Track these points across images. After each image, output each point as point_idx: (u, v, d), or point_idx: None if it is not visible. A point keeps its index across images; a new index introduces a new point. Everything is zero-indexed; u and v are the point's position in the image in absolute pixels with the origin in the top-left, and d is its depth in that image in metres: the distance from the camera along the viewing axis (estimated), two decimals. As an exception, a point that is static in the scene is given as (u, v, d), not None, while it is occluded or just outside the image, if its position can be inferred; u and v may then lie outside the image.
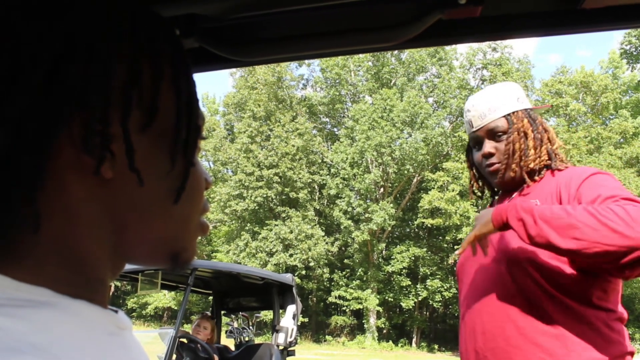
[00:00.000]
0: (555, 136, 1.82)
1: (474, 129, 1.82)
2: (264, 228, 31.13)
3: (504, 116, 1.78)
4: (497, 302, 1.66)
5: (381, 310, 30.96)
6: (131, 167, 0.49)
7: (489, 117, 1.79)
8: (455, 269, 2.02)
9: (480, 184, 1.97)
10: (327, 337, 32.06)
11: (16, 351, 0.41)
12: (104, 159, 0.48)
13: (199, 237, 0.59)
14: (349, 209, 30.47)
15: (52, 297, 0.47)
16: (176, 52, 0.55)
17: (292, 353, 5.89)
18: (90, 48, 0.48)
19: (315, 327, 32.86)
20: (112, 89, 0.48)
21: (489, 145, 1.79)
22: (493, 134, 1.78)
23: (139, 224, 0.52)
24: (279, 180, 31.53)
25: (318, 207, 33.22)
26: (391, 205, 30.19)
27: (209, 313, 6.29)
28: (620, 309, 1.63)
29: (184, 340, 5.55)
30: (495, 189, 1.94)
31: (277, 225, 30.61)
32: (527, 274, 1.61)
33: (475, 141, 1.84)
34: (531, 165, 1.75)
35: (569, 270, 1.59)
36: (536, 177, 1.77)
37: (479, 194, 1.99)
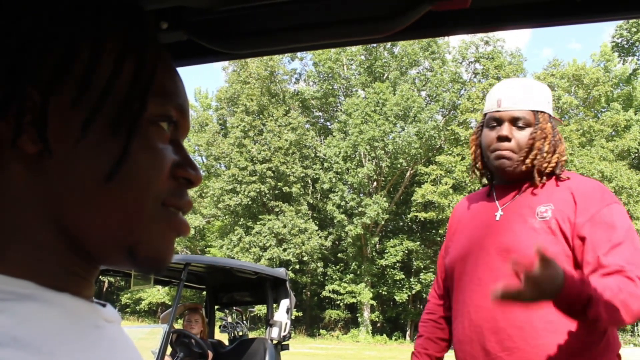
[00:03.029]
0: (565, 150, 1.85)
1: (500, 109, 1.81)
2: (258, 223, 31.12)
3: (533, 111, 1.79)
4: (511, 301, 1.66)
5: (375, 304, 31.06)
6: (41, 136, 0.48)
7: (520, 105, 1.79)
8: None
9: (481, 166, 1.94)
10: (321, 331, 32.15)
11: None
12: (21, 131, 0.48)
13: (179, 237, 0.56)
14: (343, 203, 30.50)
15: (35, 290, 0.47)
16: (128, 32, 0.53)
17: (286, 347, 5.89)
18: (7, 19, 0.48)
19: (309, 321, 32.93)
20: (33, 60, 0.49)
21: (507, 129, 1.78)
22: (516, 122, 1.79)
23: (78, 207, 0.50)
24: (272, 174, 31.51)
25: (311, 202, 33.23)
26: (384, 199, 30.24)
27: (196, 304, 6.26)
28: None
29: (178, 335, 5.54)
30: (493, 179, 1.93)
31: (271, 220, 30.61)
32: None
33: (494, 120, 1.82)
34: (541, 167, 1.77)
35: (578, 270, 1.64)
36: (541, 180, 1.79)
37: (479, 173, 1.97)
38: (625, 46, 34.44)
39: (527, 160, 1.77)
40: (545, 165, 1.77)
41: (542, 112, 1.80)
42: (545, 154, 1.77)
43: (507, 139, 1.77)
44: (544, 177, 1.78)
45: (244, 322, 7.11)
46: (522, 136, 1.77)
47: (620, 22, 32.93)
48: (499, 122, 1.81)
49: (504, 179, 1.86)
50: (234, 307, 7.09)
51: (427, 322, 2.09)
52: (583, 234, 1.62)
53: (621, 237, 1.59)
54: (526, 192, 1.79)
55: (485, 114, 1.88)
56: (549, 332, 1.60)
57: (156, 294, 33.04)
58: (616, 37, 34.50)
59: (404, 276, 30.64)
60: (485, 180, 1.98)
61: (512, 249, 1.69)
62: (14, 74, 0.48)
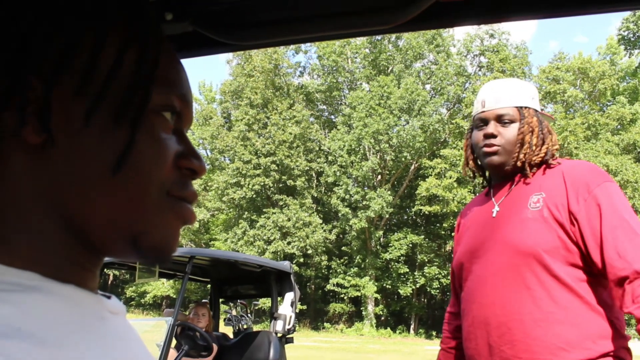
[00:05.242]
0: (556, 140, 1.88)
1: (484, 109, 1.87)
2: (262, 216, 31.17)
3: (517, 107, 1.84)
4: (510, 295, 1.68)
5: (379, 298, 31.10)
6: (44, 126, 0.48)
7: (502, 103, 1.84)
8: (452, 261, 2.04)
9: (472, 166, 2.00)
10: (325, 324, 32.23)
11: (2, 335, 0.41)
12: (24, 122, 0.48)
13: (185, 226, 0.56)
14: (347, 197, 30.49)
15: (40, 281, 0.47)
16: (130, 22, 0.53)
17: (290, 340, 5.90)
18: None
19: (314, 315, 33.02)
20: (37, 52, 0.49)
21: (493, 127, 1.84)
22: (501, 119, 1.84)
23: (82, 197, 0.50)
24: (276, 168, 31.53)
25: (316, 195, 33.25)
26: (389, 192, 30.22)
27: (205, 300, 6.30)
28: None
29: (183, 328, 5.56)
30: (488, 177, 1.98)
31: (275, 213, 30.65)
32: (542, 266, 1.64)
33: (481, 121, 1.88)
34: (531, 160, 1.81)
35: (581, 265, 1.64)
36: (531, 170, 1.83)
37: (471, 173, 2.02)
38: (632, 39, 34.21)
39: (521, 156, 1.81)
40: (535, 157, 1.81)
41: (526, 107, 1.85)
42: (534, 147, 1.81)
43: (492, 135, 1.83)
44: (535, 168, 1.82)
45: (249, 315, 7.13)
46: (509, 132, 1.83)
47: (627, 14, 32.72)
48: (485, 121, 1.87)
49: (497, 175, 1.90)
50: (238, 300, 7.10)
51: (445, 332, 2.15)
52: (578, 218, 1.64)
53: (616, 221, 1.60)
54: (519, 184, 1.83)
55: (474, 117, 1.94)
56: (549, 323, 1.61)
57: (161, 287, 33.17)
58: (623, 30, 34.25)
59: (408, 270, 30.64)
60: (477, 179, 2.04)
61: (508, 243, 1.72)
62: (17, 64, 0.48)
